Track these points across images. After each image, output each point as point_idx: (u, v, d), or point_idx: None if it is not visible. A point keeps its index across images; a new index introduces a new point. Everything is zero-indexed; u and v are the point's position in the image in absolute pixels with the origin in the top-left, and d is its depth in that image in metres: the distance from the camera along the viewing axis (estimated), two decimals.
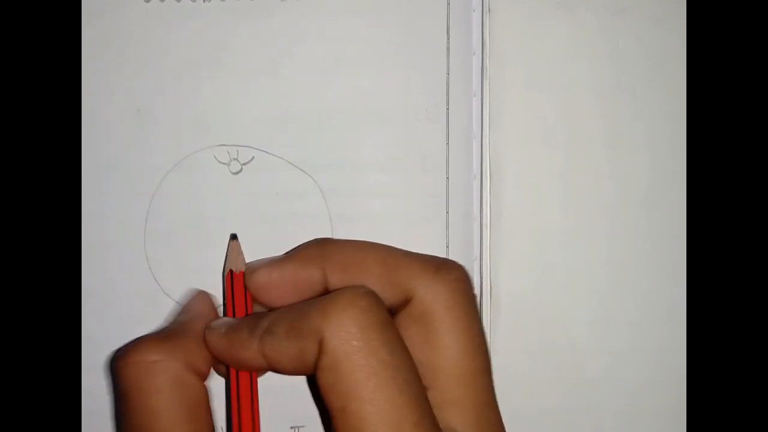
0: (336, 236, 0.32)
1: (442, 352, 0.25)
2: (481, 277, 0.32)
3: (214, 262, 0.32)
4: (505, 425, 0.27)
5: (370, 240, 0.29)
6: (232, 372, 0.27)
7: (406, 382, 0.24)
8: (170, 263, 0.32)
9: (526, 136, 0.32)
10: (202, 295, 0.29)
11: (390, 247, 0.28)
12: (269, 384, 0.29)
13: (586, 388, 0.32)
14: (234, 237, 0.31)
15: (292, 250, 0.29)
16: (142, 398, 0.25)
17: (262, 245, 0.31)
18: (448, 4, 0.32)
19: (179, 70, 0.32)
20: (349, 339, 0.24)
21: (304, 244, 0.29)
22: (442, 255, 0.32)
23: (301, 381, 0.30)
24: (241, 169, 0.32)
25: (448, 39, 0.32)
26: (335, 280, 0.27)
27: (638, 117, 0.32)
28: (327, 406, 0.24)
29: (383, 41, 0.32)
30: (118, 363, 0.26)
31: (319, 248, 0.28)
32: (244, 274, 0.29)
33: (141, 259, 0.32)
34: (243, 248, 0.31)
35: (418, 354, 0.26)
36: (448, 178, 0.32)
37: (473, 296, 0.27)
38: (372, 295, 0.25)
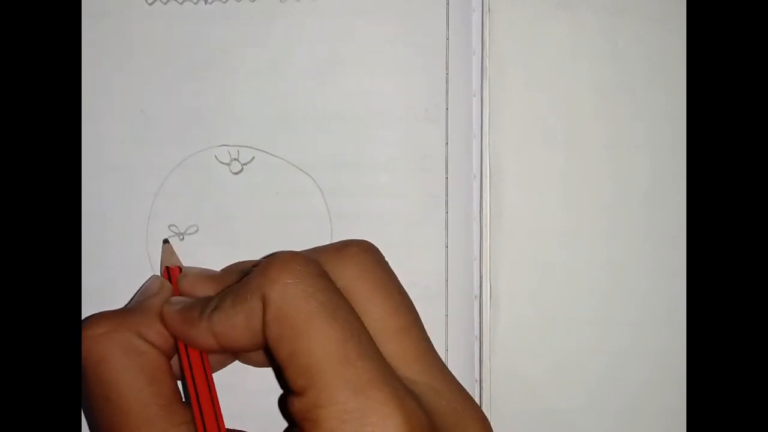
0: (336, 236, 0.32)
1: (367, 318, 0.26)
2: (481, 277, 0.32)
3: (216, 262, 0.32)
4: (506, 425, 0.27)
5: (371, 240, 0.30)
6: (182, 348, 0.28)
7: (347, 320, 0.25)
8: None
9: (526, 136, 0.32)
10: (158, 278, 0.30)
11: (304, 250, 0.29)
12: (265, 384, 0.29)
13: (586, 388, 0.32)
14: (166, 241, 0.32)
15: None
16: (97, 369, 0.26)
17: (262, 245, 0.32)
18: (448, 4, 0.32)
19: (181, 71, 0.32)
20: (288, 288, 0.25)
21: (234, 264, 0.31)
22: (442, 255, 0.32)
23: None
24: (242, 170, 0.32)
25: (448, 39, 0.32)
26: None
27: (638, 117, 0.32)
28: (278, 360, 0.25)
29: (383, 42, 0.32)
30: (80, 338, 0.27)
31: (246, 262, 0.30)
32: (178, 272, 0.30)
33: (143, 259, 0.32)
34: (244, 248, 0.31)
35: (344, 295, 0.26)
36: (447, 178, 0.32)
37: (382, 262, 0.28)
38: (304, 254, 0.26)
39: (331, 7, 0.32)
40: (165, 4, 0.32)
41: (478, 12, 0.32)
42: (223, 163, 0.32)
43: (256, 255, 0.31)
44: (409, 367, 0.26)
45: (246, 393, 0.30)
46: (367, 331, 0.25)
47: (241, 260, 0.31)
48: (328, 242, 0.32)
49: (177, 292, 0.29)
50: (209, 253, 0.32)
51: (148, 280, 0.30)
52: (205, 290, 0.29)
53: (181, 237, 0.32)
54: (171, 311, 0.28)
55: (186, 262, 0.32)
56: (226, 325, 0.26)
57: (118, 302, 0.32)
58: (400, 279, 0.28)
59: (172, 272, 0.30)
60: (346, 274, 0.27)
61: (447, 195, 0.32)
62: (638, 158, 0.32)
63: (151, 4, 0.32)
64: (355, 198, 0.32)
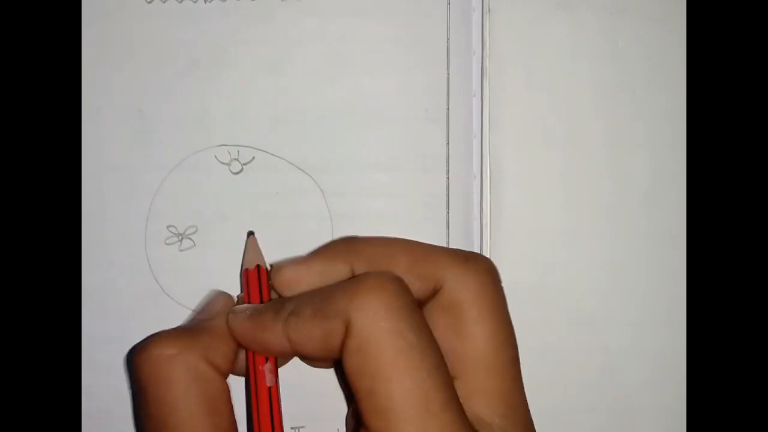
0: (336, 236, 0.32)
1: (470, 341, 0.25)
2: None
3: (215, 262, 0.32)
4: None
5: None
6: (250, 361, 0.27)
7: (434, 365, 0.24)
8: (170, 263, 0.32)
9: (526, 136, 0.32)
10: (221, 294, 0.29)
11: (416, 241, 0.28)
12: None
13: (586, 388, 0.32)
14: (251, 233, 0.31)
15: (317, 248, 0.29)
16: (160, 391, 0.25)
17: (262, 245, 0.32)
18: (448, 4, 0.32)
19: (180, 70, 0.32)
20: (376, 320, 0.23)
21: (329, 242, 0.29)
22: None
23: (302, 381, 0.30)
24: (242, 169, 0.32)
25: (448, 39, 0.32)
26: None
27: (638, 117, 0.32)
28: (353, 389, 0.24)
29: (383, 41, 0.32)
30: (137, 357, 0.26)
31: (345, 245, 0.28)
32: (268, 271, 0.28)
33: (141, 259, 0.32)
34: (243, 248, 0.31)
35: (446, 344, 0.25)
36: (448, 177, 0.32)
37: (501, 288, 0.27)
38: (398, 279, 0.25)
39: (331, 6, 0.32)
40: (164, 2, 0.32)
41: (478, 12, 0.32)
42: (222, 163, 0.32)
43: None
44: (491, 406, 0.25)
45: (288, 395, 0.30)
46: (451, 379, 0.24)
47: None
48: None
49: (267, 293, 0.28)
50: (209, 254, 0.32)
51: (209, 295, 0.29)
52: (303, 285, 0.27)
53: (180, 237, 0.32)
54: (239, 319, 0.27)
55: (185, 262, 0.32)
56: (302, 335, 0.25)
57: (116, 302, 0.31)
58: None
59: (261, 274, 0.29)
60: (466, 288, 0.26)
61: (447, 195, 0.32)
62: (638, 158, 0.32)
63: (149, 2, 0.32)
64: (355, 198, 0.32)
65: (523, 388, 0.27)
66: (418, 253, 0.27)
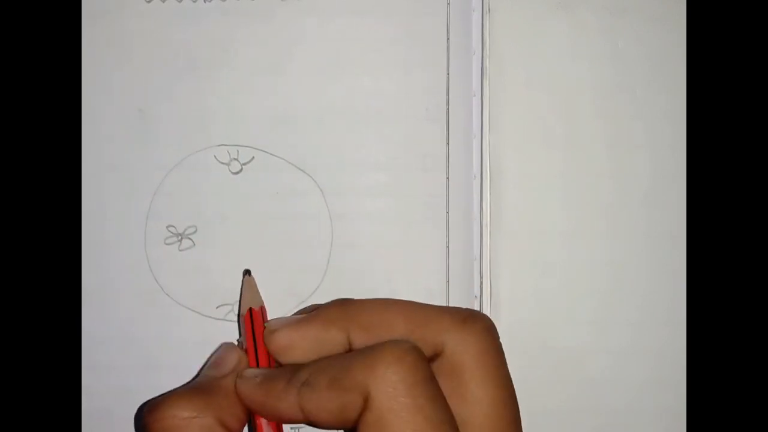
0: (336, 236, 0.32)
1: (473, 404, 0.25)
2: (481, 277, 0.32)
3: (215, 262, 0.32)
4: None
5: (371, 240, 0.29)
6: (255, 419, 0.26)
7: None
8: (170, 263, 0.32)
9: (526, 136, 0.32)
10: (233, 349, 0.28)
11: (413, 302, 0.28)
12: None
13: (586, 388, 0.32)
14: (247, 272, 0.31)
15: (312, 310, 0.28)
16: None
17: (262, 245, 0.32)
18: (448, 4, 0.32)
19: (180, 70, 0.32)
20: (396, 395, 0.23)
21: (325, 304, 0.28)
22: (442, 255, 0.32)
23: None
24: (242, 169, 0.32)
25: (448, 39, 0.32)
26: (359, 340, 0.27)
27: (638, 117, 0.32)
28: None
29: (383, 41, 0.32)
30: (149, 417, 0.25)
31: (341, 309, 0.28)
32: (264, 331, 0.28)
33: (141, 259, 0.32)
34: (243, 248, 0.31)
35: (450, 407, 0.25)
36: (448, 178, 0.32)
37: (500, 346, 0.27)
38: (417, 350, 0.25)
39: (331, 6, 0.32)
40: (163, 2, 0.32)
41: (478, 12, 0.32)
42: (222, 162, 0.32)
43: (256, 255, 0.31)
44: None
45: None
46: None
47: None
48: (328, 243, 0.32)
49: (261, 334, 0.28)
50: (208, 253, 0.32)
51: (219, 349, 0.29)
52: (298, 349, 0.27)
53: (180, 237, 0.32)
54: (249, 386, 0.26)
55: (185, 261, 0.32)
56: (317, 407, 0.24)
57: (116, 302, 0.31)
58: (400, 280, 0.28)
59: (255, 316, 0.28)
60: (465, 350, 0.26)
61: (447, 195, 0.32)
62: (638, 158, 0.32)
63: (149, 2, 0.32)
64: (354, 198, 0.32)
65: None
66: (417, 318, 0.27)
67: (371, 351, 0.24)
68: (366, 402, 0.24)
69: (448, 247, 0.32)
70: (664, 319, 0.32)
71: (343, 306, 0.28)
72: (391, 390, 0.23)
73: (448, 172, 0.32)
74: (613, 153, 0.32)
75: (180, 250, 0.32)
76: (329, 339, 0.27)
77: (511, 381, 0.27)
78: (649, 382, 0.32)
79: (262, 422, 0.26)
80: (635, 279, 0.32)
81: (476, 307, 0.32)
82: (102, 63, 0.32)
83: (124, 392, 0.31)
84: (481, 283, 0.32)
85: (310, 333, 0.27)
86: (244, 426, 0.27)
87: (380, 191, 0.32)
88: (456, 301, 0.31)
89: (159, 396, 0.26)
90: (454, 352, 0.25)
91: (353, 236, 0.32)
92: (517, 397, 0.27)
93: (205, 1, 0.32)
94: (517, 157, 0.32)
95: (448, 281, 0.32)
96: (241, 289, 0.31)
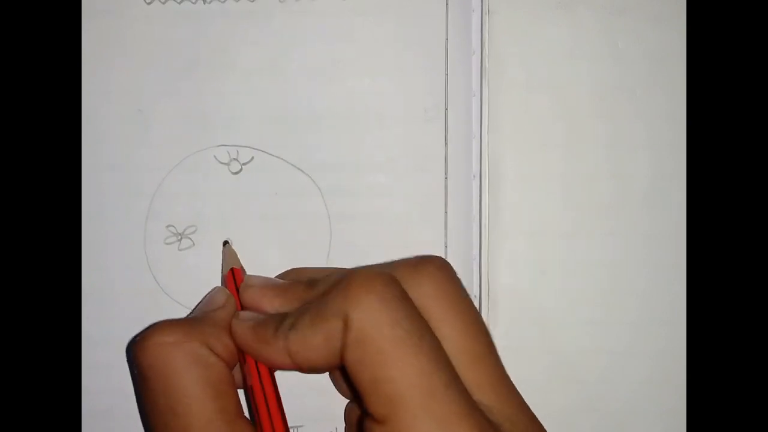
0: (335, 236, 0.32)
1: (443, 341, 0.25)
2: (480, 277, 0.32)
3: (214, 261, 0.32)
4: None
5: (370, 240, 0.30)
6: (251, 362, 0.27)
7: (432, 348, 0.24)
8: (170, 263, 0.32)
9: (526, 136, 0.32)
10: (223, 291, 0.29)
11: (368, 266, 0.28)
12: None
13: (586, 388, 0.32)
14: (226, 243, 0.31)
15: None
16: (163, 380, 0.25)
17: (261, 245, 0.32)
18: (447, 4, 0.32)
19: (180, 70, 0.32)
20: (372, 312, 0.24)
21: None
22: (441, 255, 0.32)
23: (299, 381, 0.30)
24: (241, 169, 0.32)
25: (447, 39, 0.32)
26: None
27: (638, 117, 0.32)
28: (356, 382, 0.24)
29: (382, 42, 0.32)
30: (137, 346, 0.26)
31: (304, 272, 0.29)
32: (241, 286, 0.29)
33: (141, 259, 0.32)
34: (242, 248, 0.31)
35: (427, 322, 0.26)
36: (446, 178, 0.32)
37: (457, 281, 0.27)
38: (387, 273, 0.25)
39: (331, 7, 0.32)
40: (163, 3, 0.32)
41: (477, 12, 0.32)
42: (222, 163, 0.32)
43: (255, 255, 0.31)
44: (485, 394, 0.26)
45: (286, 394, 0.30)
46: (450, 361, 0.24)
47: (297, 266, 0.30)
48: (327, 243, 0.32)
49: (238, 297, 0.29)
50: (208, 253, 0.32)
51: (211, 291, 0.29)
52: (272, 302, 0.28)
53: (180, 237, 0.32)
54: (242, 328, 0.27)
55: (184, 261, 0.32)
56: (304, 345, 0.25)
57: (116, 302, 0.32)
58: None
59: (237, 274, 0.29)
60: (422, 293, 0.26)
61: (446, 195, 0.32)
62: (638, 158, 0.32)
63: (149, 3, 0.32)
64: (354, 198, 0.32)
65: (507, 374, 0.27)
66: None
67: (345, 279, 0.25)
68: (346, 325, 0.24)
69: (446, 247, 0.32)
70: (664, 319, 0.32)
71: (299, 271, 0.29)
72: (367, 308, 0.24)
73: (446, 173, 0.32)
74: (613, 153, 0.32)
75: (180, 250, 0.32)
76: (297, 296, 0.27)
77: (475, 312, 0.27)
78: (649, 382, 0.32)
79: (254, 364, 0.27)
80: (635, 279, 0.32)
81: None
82: (102, 63, 0.32)
83: (124, 392, 0.31)
84: (480, 283, 0.32)
85: (279, 289, 0.28)
86: (234, 358, 0.27)
87: (379, 191, 0.32)
88: None
89: (147, 327, 0.27)
90: (414, 297, 0.25)
91: (352, 236, 0.32)
92: None
93: (204, 3, 0.32)
94: (517, 158, 0.32)
95: None
96: (223, 256, 0.31)
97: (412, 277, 0.27)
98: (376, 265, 0.28)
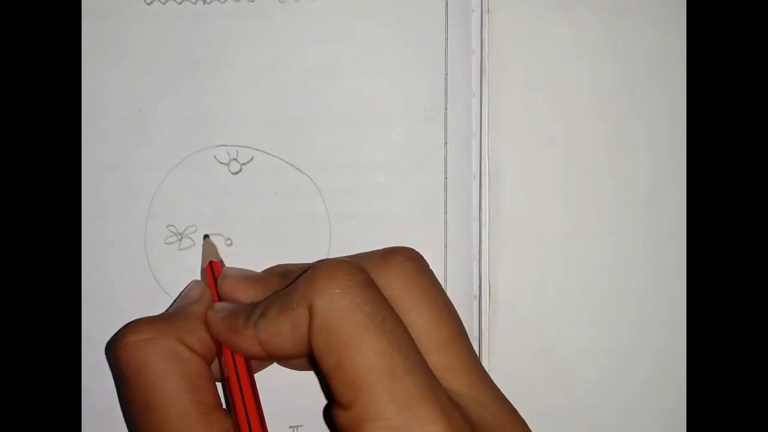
0: (334, 236, 0.32)
1: (413, 329, 0.26)
2: (480, 278, 0.32)
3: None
4: None
5: (369, 240, 0.30)
6: (227, 354, 0.27)
7: (394, 333, 0.24)
8: (170, 262, 0.32)
9: (526, 136, 0.32)
10: (199, 284, 0.30)
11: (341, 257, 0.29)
12: (268, 384, 0.29)
13: (586, 388, 0.32)
14: (206, 236, 0.32)
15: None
16: (139, 376, 0.26)
17: (261, 245, 0.32)
18: (447, 4, 0.32)
19: (180, 70, 0.32)
20: (335, 299, 0.24)
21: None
22: (441, 255, 0.32)
23: (299, 380, 0.30)
24: (241, 170, 0.32)
25: (447, 39, 0.32)
26: None
27: (638, 117, 0.32)
28: (323, 370, 0.24)
29: (382, 42, 0.32)
30: (114, 345, 0.27)
31: (283, 266, 0.30)
32: (218, 277, 0.29)
33: (141, 259, 0.32)
34: (242, 248, 0.31)
35: (393, 307, 0.26)
36: (446, 178, 0.32)
37: (427, 270, 0.28)
38: (351, 262, 0.26)
39: (330, 7, 0.32)
40: (163, 3, 0.32)
41: (477, 12, 0.32)
42: (221, 163, 0.32)
43: (255, 255, 0.31)
44: (455, 380, 0.26)
45: (285, 394, 0.30)
46: (415, 344, 0.25)
47: (278, 263, 0.31)
48: (326, 243, 0.32)
49: (216, 290, 0.29)
50: None
51: (188, 285, 0.30)
52: (246, 293, 0.28)
53: (180, 237, 0.32)
54: (215, 318, 0.27)
55: (185, 261, 0.32)
56: (272, 333, 0.26)
57: (116, 302, 0.32)
58: None
59: (215, 267, 0.30)
60: (391, 283, 0.27)
61: (446, 195, 0.32)
62: (638, 158, 0.32)
63: (149, 3, 0.32)
64: (353, 198, 0.32)
65: (478, 359, 0.27)
66: None
67: (311, 270, 0.25)
68: (311, 312, 0.24)
69: (446, 247, 0.32)
70: (664, 319, 0.32)
71: (285, 268, 0.30)
72: (330, 295, 0.24)
73: (446, 172, 0.32)
74: (612, 153, 0.32)
75: (180, 250, 0.32)
76: (272, 286, 0.28)
77: (446, 299, 0.27)
78: (649, 382, 0.32)
79: (229, 355, 0.27)
80: (635, 279, 0.32)
81: (475, 308, 0.32)
82: (102, 63, 0.32)
83: None
84: (480, 283, 0.32)
85: (254, 280, 0.29)
86: (211, 351, 0.27)
87: (379, 191, 0.32)
88: (455, 301, 0.31)
89: (123, 326, 0.27)
90: (383, 287, 0.26)
91: (352, 236, 0.32)
92: (517, 396, 0.27)
93: (204, 3, 0.32)
94: (517, 157, 0.32)
95: (446, 281, 0.32)
96: (202, 249, 0.31)
97: (382, 267, 0.27)
98: (347, 256, 0.28)
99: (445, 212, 0.32)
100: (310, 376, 0.30)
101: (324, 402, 0.31)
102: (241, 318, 0.27)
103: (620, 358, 0.32)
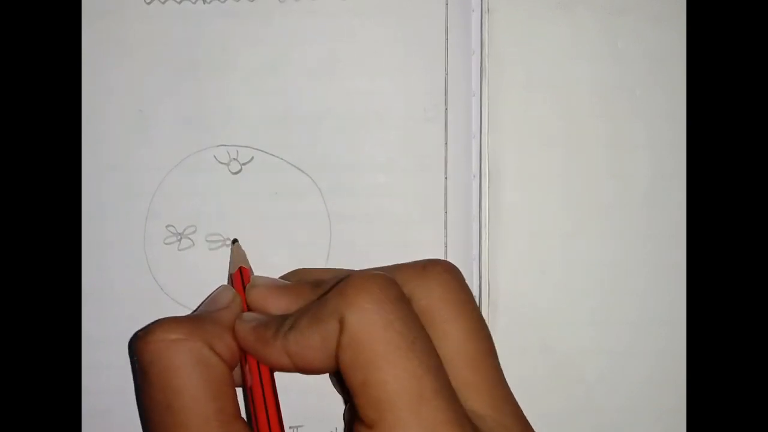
0: (334, 236, 0.32)
1: (445, 341, 0.25)
2: (480, 278, 0.32)
3: (214, 261, 0.32)
4: None
5: (369, 240, 0.30)
6: (252, 363, 0.27)
7: (424, 353, 0.24)
8: (169, 263, 0.32)
9: (526, 136, 0.32)
10: (229, 290, 0.29)
11: (375, 268, 0.28)
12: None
13: (585, 388, 0.32)
14: (235, 241, 0.31)
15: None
16: (163, 376, 0.25)
17: (261, 245, 0.32)
18: (447, 4, 0.32)
19: (180, 70, 0.32)
20: (366, 314, 0.24)
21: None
22: (441, 255, 0.32)
23: (300, 381, 0.30)
24: (241, 169, 0.32)
25: (447, 39, 0.32)
26: None
27: (638, 117, 0.32)
28: (348, 384, 0.24)
29: (382, 42, 0.32)
30: (140, 342, 0.26)
31: (312, 275, 0.30)
32: (247, 285, 0.29)
33: (140, 259, 0.32)
34: (242, 248, 0.31)
35: (423, 325, 0.26)
36: (446, 178, 0.32)
37: (465, 285, 0.28)
38: (385, 275, 0.25)
39: (330, 7, 0.32)
40: (163, 3, 0.32)
41: (477, 12, 0.32)
42: (221, 163, 0.32)
43: (255, 255, 0.31)
44: (480, 399, 0.25)
45: (286, 394, 0.30)
46: (443, 367, 0.24)
47: (297, 267, 0.31)
48: (326, 243, 0.32)
49: (244, 296, 0.29)
50: (208, 254, 0.32)
51: (217, 290, 0.29)
52: (276, 302, 0.28)
53: (179, 237, 0.32)
54: (245, 328, 0.27)
55: (184, 261, 0.32)
56: (302, 345, 0.25)
57: (116, 302, 0.32)
58: None
59: (244, 273, 0.30)
60: (429, 294, 0.26)
61: (446, 195, 0.32)
62: (638, 158, 0.32)
63: (149, 3, 0.32)
64: (353, 198, 0.32)
65: (504, 378, 0.27)
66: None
67: (343, 282, 0.25)
68: (341, 326, 0.24)
69: (446, 246, 0.32)
70: (664, 319, 0.32)
71: (307, 271, 0.30)
72: (361, 310, 0.24)
73: (446, 172, 0.32)
74: (612, 153, 0.32)
75: (179, 250, 0.32)
76: (302, 297, 0.28)
77: (480, 315, 0.27)
78: (649, 382, 0.32)
79: (255, 365, 0.27)
80: (635, 279, 0.32)
81: None
82: (102, 63, 0.32)
83: (124, 392, 0.31)
84: (480, 283, 0.32)
85: (284, 290, 0.28)
86: (236, 358, 0.27)
87: (379, 191, 0.32)
88: None
89: (151, 323, 0.27)
90: (420, 298, 0.26)
91: (352, 236, 0.32)
92: (517, 396, 0.27)
93: (204, 3, 0.32)
94: (517, 157, 0.32)
95: None
96: (231, 254, 0.31)
97: (420, 278, 0.27)
98: (381, 267, 0.28)
99: (445, 212, 0.32)
100: (310, 377, 0.30)
101: (324, 402, 0.31)
102: (271, 329, 0.26)
103: (620, 358, 0.32)
